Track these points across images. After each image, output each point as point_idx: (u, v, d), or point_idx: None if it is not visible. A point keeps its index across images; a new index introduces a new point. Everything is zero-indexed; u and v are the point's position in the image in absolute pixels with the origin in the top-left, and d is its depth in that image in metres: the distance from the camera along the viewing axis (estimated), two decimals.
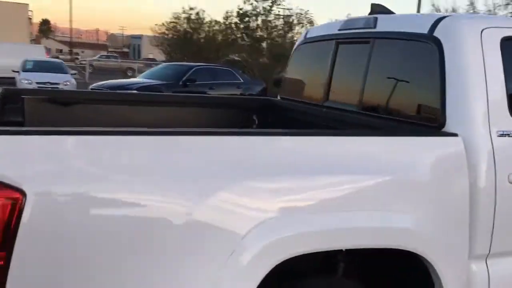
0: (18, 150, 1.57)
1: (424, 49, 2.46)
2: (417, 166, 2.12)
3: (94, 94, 3.87)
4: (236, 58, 20.90)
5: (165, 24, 25.87)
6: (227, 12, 20.60)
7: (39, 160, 1.57)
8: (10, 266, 1.53)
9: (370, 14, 3.05)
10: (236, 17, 20.13)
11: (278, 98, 3.89)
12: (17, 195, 1.52)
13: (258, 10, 19.48)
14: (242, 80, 14.66)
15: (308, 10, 21.13)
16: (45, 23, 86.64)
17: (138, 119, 3.50)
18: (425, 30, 2.47)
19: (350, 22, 3.12)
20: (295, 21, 19.72)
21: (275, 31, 19.45)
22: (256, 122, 3.83)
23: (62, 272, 1.58)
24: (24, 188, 1.52)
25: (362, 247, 1.98)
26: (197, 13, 24.79)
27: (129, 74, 37.73)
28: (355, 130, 2.50)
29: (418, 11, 23.35)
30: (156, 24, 26.84)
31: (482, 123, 2.23)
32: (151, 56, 62.89)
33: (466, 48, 2.30)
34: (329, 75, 3.21)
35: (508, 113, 2.29)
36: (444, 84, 2.30)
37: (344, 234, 1.93)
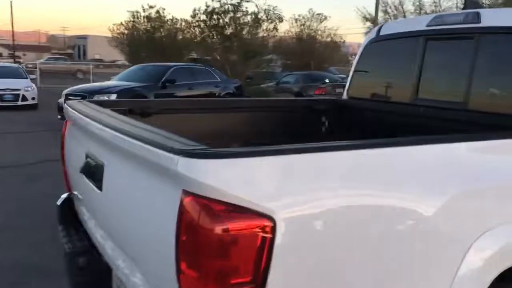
0: (262, 173, 1.41)
1: None
2: None
3: (170, 103, 3.65)
4: (205, 57, 20.59)
5: (124, 23, 25.16)
6: (194, 10, 20.28)
7: (284, 181, 1.42)
8: None
9: (464, 8, 3.02)
10: (203, 14, 19.83)
11: (344, 97, 3.80)
12: (267, 222, 1.37)
13: (226, 7, 19.25)
14: (219, 79, 14.44)
15: (276, 6, 21.09)
16: None
17: (213, 125, 3.33)
18: None
19: (441, 18, 3.06)
20: (264, 17, 19.62)
21: (244, 27, 19.24)
22: (326, 124, 3.74)
23: None
24: (273, 214, 1.37)
25: None
26: (157, 12, 24.30)
27: (79, 76, 36.34)
28: None
29: (377, 5, 23.91)
30: (113, 24, 26.02)
31: None
32: (97, 57, 61.05)
33: None
34: (417, 72, 3.16)
35: None
36: None
37: None
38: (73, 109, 2.45)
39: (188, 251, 1.39)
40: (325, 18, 28.82)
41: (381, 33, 3.51)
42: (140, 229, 1.66)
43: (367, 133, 3.43)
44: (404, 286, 1.57)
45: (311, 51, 25.88)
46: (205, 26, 19.78)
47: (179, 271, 1.42)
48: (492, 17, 2.78)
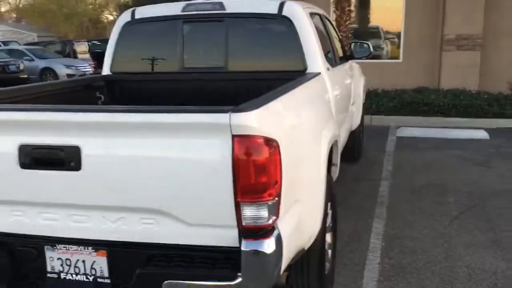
0: (273, 113, 2.30)
1: (279, 23, 3.92)
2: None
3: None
4: None
5: None
6: None
7: (278, 115, 2.36)
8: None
9: None
10: None
11: (107, 73, 4.31)
12: (277, 143, 2.27)
13: None
14: None
15: None
16: None
17: None
18: (274, 11, 3.91)
19: (193, 6, 4.08)
20: None
21: None
22: (102, 98, 4.21)
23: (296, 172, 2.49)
24: (279, 139, 2.27)
25: None
26: None
27: None
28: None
29: None
30: None
31: (323, 65, 3.95)
32: None
33: (305, 20, 3.91)
34: (181, 47, 4.12)
35: (324, 58, 4.08)
36: (301, 44, 3.86)
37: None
38: None
39: (245, 172, 2.14)
40: None
41: (137, 17, 4.23)
42: (175, 179, 2.18)
43: (141, 100, 4.20)
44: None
45: None
46: None
47: (236, 190, 2.15)
48: (232, 6, 4.04)
